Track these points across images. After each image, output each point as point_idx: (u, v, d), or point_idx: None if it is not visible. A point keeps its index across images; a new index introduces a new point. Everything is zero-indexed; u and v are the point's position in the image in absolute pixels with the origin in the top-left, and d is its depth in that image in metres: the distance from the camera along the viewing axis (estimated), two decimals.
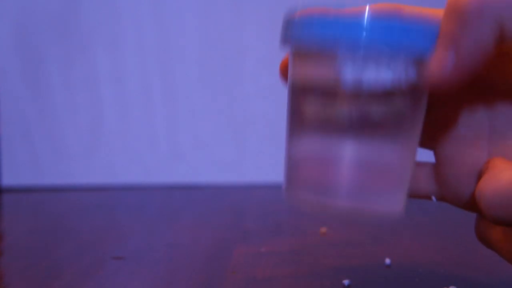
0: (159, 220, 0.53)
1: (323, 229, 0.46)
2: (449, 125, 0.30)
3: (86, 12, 0.65)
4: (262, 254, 0.40)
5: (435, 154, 0.31)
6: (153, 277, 0.36)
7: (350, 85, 0.26)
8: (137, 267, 0.38)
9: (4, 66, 0.66)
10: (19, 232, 0.48)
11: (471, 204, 0.29)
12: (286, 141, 0.29)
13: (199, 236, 0.46)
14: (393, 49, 0.25)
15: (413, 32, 0.25)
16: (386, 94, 0.26)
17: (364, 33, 0.25)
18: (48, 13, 0.65)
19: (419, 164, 0.32)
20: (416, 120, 0.28)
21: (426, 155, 0.32)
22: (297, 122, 0.28)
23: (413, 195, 0.32)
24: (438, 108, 0.30)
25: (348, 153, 0.27)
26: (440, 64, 0.25)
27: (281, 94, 0.32)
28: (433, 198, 0.32)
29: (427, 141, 0.31)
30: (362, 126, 0.27)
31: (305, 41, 0.27)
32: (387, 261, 0.38)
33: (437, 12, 0.28)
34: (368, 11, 0.26)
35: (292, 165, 0.29)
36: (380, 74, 0.26)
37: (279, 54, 0.30)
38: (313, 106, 0.27)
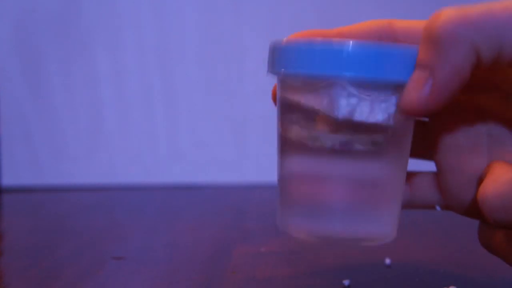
0: (159, 220, 0.53)
1: None
2: (447, 135, 0.30)
3: (86, 12, 0.65)
4: (262, 254, 0.40)
5: (436, 164, 0.31)
6: (153, 277, 0.36)
7: (336, 114, 0.26)
8: (137, 267, 0.38)
9: (4, 66, 0.66)
10: (19, 232, 0.48)
11: (474, 210, 0.29)
12: (277, 164, 0.30)
13: (199, 236, 0.46)
14: (375, 77, 0.25)
15: (394, 60, 0.25)
16: (371, 122, 0.26)
17: (347, 63, 0.25)
18: (48, 13, 0.65)
19: (421, 174, 0.32)
20: (404, 141, 0.28)
21: (426, 164, 0.32)
22: (285, 146, 0.29)
23: (417, 205, 0.32)
24: (434, 119, 0.30)
25: (335, 176, 0.27)
26: (416, 91, 0.25)
27: None
28: (437, 207, 0.32)
29: (426, 152, 0.32)
30: (349, 151, 0.27)
31: (290, 71, 0.27)
32: (387, 261, 0.38)
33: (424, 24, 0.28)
34: (352, 40, 0.26)
35: (283, 188, 0.29)
36: (364, 102, 0.26)
37: None
38: (299, 131, 0.28)
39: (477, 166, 0.29)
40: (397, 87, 0.26)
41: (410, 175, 0.31)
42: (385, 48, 0.25)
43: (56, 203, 0.61)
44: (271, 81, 0.30)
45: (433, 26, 0.24)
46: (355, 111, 0.26)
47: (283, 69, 0.27)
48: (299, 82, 0.27)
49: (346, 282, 0.34)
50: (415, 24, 0.28)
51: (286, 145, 0.28)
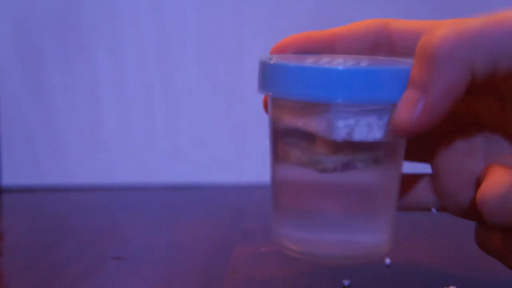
0: (159, 220, 0.53)
1: None
2: (443, 138, 0.30)
3: (86, 12, 0.65)
4: (262, 254, 0.40)
5: (432, 167, 0.31)
6: (153, 277, 0.36)
7: (335, 137, 0.26)
8: (137, 267, 0.38)
9: (4, 66, 0.66)
10: (19, 232, 0.48)
11: (471, 212, 0.29)
12: (270, 175, 0.30)
13: (199, 236, 0.46)
14: (370, 97, 0.25)
15: (389, 79, 0.25)
16: (364, 141, 0.26)
17: (342, 86, 0.25)
18: (48, 13, 0.65)
19: (416, 176, 0.32)
20: (400, 151, 0.28)
21: (420, 166, 0.32)
22: (277, 161, 0.29)
23: (413, 208, 0.32)
24: None
25: (330, 190, 0.27)
26: (407, 111, 0.25)
27: None
28: (433, 210, 0.32)
29: (421, 155, 0.31)
30: (342, 169, 0.27)
31: (282, 94, 0.27)
32: (387, 261, 0.38)
33: (421, 25, 0.27)
34: (345, 59, 0.26)
35: (276, 201, 0.29)
36: (362, 122, 0.26)
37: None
38: (300, 156, 0.28)
39: (474, 169, 0.29)
40: (394, 104, 0.26)
41: (405, 178, 0.31)
42: (379, 67, 0.25)
43: (56, 203, 0.61)
44: None
45: (428, 44, 0.24)
46: (354, 132, 0.26)
47: (273, 91, 0.27)
48: (292, 103, 0.27)
49: (346, 282, 0.34)
50: (411, 24, 0.28)
51: (277, 160, 0.29)
